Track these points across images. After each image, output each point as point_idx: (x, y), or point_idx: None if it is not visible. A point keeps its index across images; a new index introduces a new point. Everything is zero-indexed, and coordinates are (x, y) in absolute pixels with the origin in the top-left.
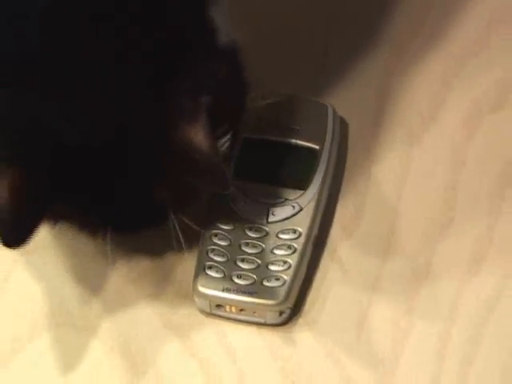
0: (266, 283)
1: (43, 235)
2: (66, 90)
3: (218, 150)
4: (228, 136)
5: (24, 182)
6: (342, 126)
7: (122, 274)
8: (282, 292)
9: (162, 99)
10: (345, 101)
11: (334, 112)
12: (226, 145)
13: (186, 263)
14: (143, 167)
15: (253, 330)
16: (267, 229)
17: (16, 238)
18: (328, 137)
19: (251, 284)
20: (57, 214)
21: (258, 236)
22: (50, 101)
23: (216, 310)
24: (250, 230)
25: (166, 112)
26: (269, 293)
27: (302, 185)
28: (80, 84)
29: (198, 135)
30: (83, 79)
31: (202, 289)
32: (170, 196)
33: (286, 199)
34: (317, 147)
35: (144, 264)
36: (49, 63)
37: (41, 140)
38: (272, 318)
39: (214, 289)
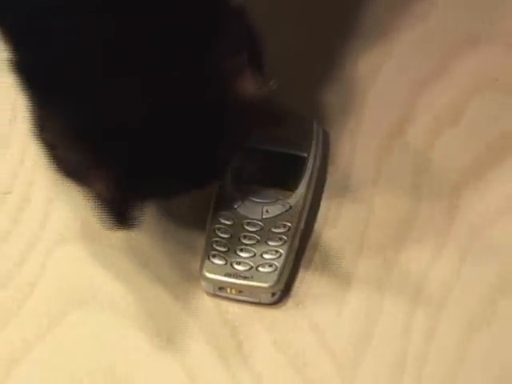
0: (260, 269)
1: (77, 226)
2: (122, 71)
3: (268, 92)
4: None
5: (115, 179)
6: (325, 136)
7: (140, 260)
8: (274, 277)
9: (211, 60)
10: (327, 115)
11: (318, 125)
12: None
13: (195, 252)
14: (202, 128)
15: (249, 308)
16: (262, 224)
17: (123, 223)
18: (313, 146)
19: (248, 270)
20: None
21: (254, 230)
22: (112, 87)
23: (219, 291)
24: (248, 224)
25: (216, 71)
26: (263, 277)
27: (291, 187)
28: (134, 64)
29: (251, 85)
30: (136, 58)
31: (207, 274)
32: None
33: (278, 199)
34: (303, 155)
35: (160, 249)
36: (98, 49)
37: (116, 137)
38: (266, 298)
39: (218, 274)
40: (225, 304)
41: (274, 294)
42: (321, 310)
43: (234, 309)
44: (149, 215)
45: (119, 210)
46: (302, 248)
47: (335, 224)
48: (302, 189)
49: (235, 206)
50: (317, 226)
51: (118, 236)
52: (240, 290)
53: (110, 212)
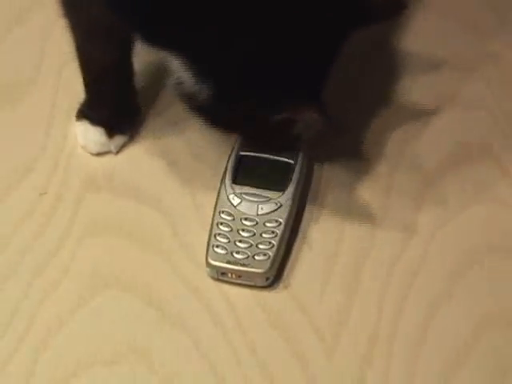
0: (256, 257)
1: (101, 223)
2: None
3: None
4: None
5: (320, 106)
6: (310, 146)
7: (154, 250)
8: (268, 264)
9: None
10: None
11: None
12: None
13: (201, 243)
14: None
15: (247, 290)
16: (257, 219)
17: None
18: (300, 154)
19: (246, 258)
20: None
21: (250, 224)
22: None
23: (221, 276)
24: (245, 220)
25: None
26: (258, 264)
27: (282, 188)
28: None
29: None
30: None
31: (211, 261)
32: None
33: (271, 198)
34: (292, 161)
35: (170, 241)
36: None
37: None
38: (260, 282)
39: (220, 261)
40: (226, 287)
41: (267, 279)
42: (306, 291)
43: (234, 291)
44: (158, 209)
45: (329, 131)
46: (291, 240)
47: (319, 219)
48: (290, 189)
49: (235, 205)
50: (303, 220)
51: (134, 228)
52: (239, 274)
53: (326, 135)
